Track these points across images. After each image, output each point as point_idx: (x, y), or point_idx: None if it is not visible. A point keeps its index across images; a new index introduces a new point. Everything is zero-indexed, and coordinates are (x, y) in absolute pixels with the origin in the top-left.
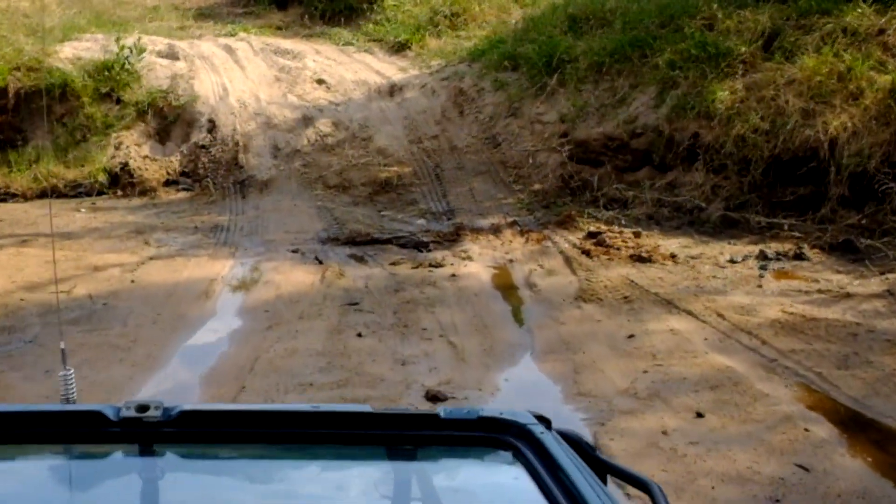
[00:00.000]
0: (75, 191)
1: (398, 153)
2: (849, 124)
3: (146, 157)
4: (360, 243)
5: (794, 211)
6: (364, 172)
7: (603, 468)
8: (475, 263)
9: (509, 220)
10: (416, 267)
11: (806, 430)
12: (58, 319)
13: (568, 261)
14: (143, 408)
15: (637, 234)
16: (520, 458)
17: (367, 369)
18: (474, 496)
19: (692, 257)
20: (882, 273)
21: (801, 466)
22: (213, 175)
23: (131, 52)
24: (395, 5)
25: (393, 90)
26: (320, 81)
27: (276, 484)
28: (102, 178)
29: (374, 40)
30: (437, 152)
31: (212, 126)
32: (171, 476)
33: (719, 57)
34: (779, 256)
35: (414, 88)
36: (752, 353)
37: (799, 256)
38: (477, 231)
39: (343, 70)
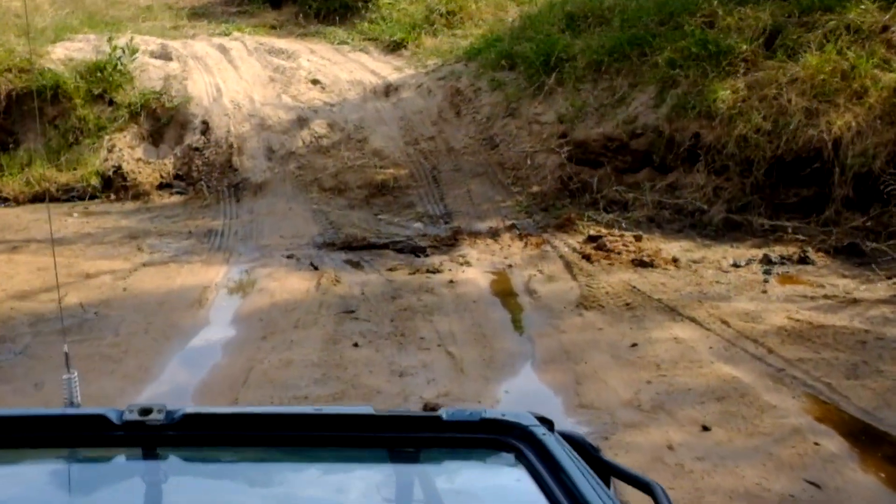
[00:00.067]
0: (68, 195)
1: (394, 155)
2: (853, 124)
3: (139, 159)
4: (356, 248)
5: (798, 213)
6: (360, 174)
7: (606, 469)
8: (473, 269)
9: (508, 223)
10: (414, 273)
11: (816, 443)
12: (49, 329)
13: (568, 266)
14: (146, 411)
15: (638, 238)
16: (522, 460)
17: (363, 381)
18: (477, 498)
19: (694, 261)
20: (889, 277)
21: (811, 483)
22: (207, 178)
23: (124, 52)
24: (390, 3)
25: (388, 90)
26: (315, 82)
27: (279, 486)
28: (95, 181)
29: (370, 39)
30: (433, 154)
31: (205, 128)
32: (175, 479)
33: (720, 55)
34: (783, 260)
35: (410, 88)
36: (759, 363)
37: (803, 260)
38: (475, 235)
39: (338, 70)
